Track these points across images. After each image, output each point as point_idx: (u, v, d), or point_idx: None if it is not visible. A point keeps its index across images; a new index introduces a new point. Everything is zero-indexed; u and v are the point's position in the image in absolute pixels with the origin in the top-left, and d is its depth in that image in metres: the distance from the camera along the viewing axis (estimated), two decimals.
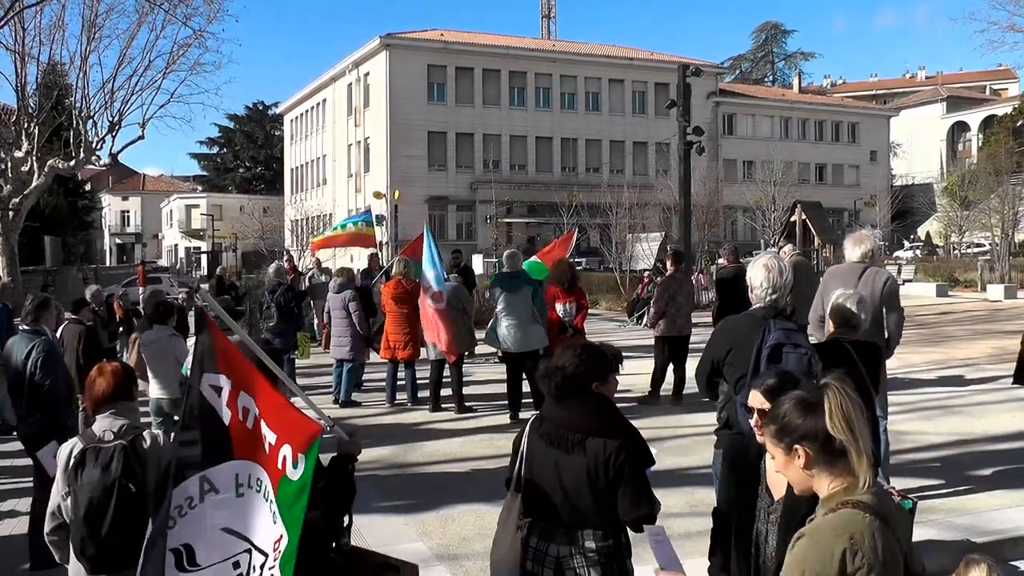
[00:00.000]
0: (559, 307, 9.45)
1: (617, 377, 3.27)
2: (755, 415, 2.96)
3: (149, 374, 7.09)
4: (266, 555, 2.54)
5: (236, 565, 2.58)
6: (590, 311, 20.85)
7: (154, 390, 7.10)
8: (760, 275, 4.26)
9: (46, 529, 3.50)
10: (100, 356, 8.89)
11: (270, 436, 2.58)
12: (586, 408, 3.09)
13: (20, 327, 6.21)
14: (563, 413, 3.12)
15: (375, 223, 15.89)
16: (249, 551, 2.57)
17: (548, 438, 3.13)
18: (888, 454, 6.18)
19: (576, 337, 9.45)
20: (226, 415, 2.62)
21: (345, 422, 3.06)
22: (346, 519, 3.21)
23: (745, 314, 4.25)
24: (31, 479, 5.90)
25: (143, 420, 4.05)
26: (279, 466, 2.55)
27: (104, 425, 3.48)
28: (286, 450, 2.55)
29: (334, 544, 3.14)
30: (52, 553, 5.43)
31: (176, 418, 6.64)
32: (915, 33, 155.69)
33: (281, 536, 2.51)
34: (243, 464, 2.60)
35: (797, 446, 2.15)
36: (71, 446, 3.46)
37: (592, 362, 3.15)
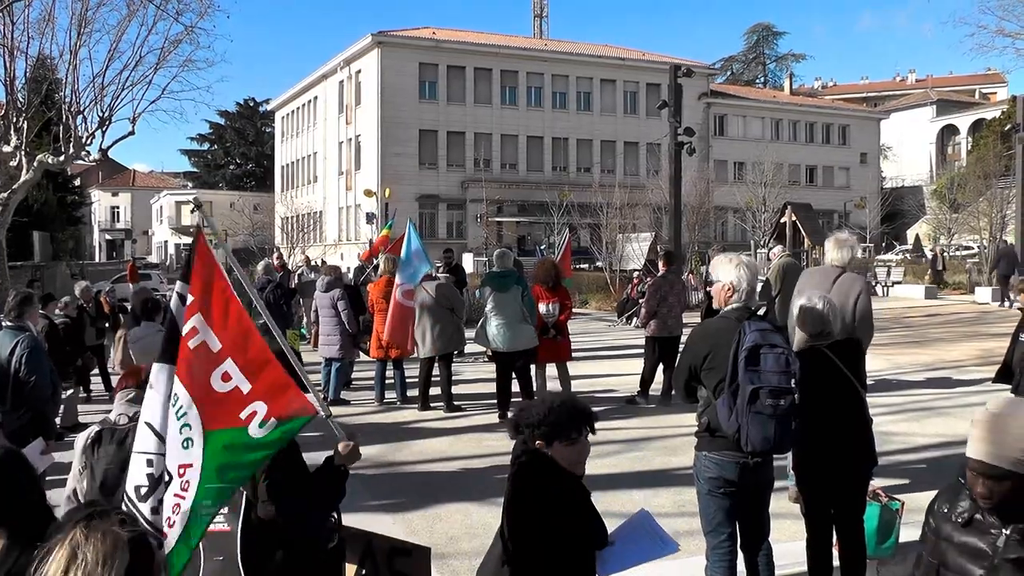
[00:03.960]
0: (542, 307, 9.43)
1: (550, 446, 2.84)
2: None
3: None
4: (171, 476, 2.64)
5: (149, 463, 2.69)
6: (580, 311, 20.70)
7: None
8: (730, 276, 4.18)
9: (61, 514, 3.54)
10: (68, 352, 8.98)
11: (242, 384, 2.66)
12: (515, 450, 2.99)
13: (3, 323, 6.16)
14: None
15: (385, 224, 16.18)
16: (163, 455, 2.67)
17: None
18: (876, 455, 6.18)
19: (559, 339, 9.47)
20: (181, 324, 2.74)
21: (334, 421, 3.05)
22: (335, 516, 3.22)
23: (719, 317, 4.16)
24: None
25: None
26: (241, 416, 2.64)
27: (121, 410, 3.74)
28: (259, 406, 2.65)
29: (329, 544, 3.18)
30: None
31: None
32: (905, 37, 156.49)
33: (191, 464, 2.61)
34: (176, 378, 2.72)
35: None
36: (89, 431, 3.72)
37: (516, 419, 2.99)
